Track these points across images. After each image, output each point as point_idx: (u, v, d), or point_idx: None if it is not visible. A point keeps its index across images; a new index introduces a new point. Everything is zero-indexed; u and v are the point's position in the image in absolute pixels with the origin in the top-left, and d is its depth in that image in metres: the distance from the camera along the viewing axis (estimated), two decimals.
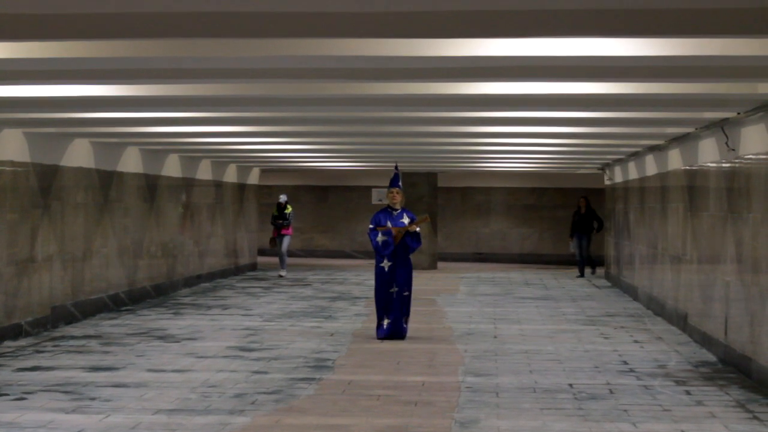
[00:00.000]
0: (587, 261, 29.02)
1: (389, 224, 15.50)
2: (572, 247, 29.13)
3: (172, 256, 23.44)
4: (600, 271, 29.51)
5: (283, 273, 28.22)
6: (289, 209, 28.42)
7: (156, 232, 22.25)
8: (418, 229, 15.53)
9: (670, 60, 8.90)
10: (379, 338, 15.38)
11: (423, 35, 8.10)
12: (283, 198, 28.52)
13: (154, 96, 11.94)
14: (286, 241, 28.36)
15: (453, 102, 12.58)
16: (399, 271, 15.43)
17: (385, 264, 15.44)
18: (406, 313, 15.50)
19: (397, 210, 15.67)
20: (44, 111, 13.63)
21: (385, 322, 15.41)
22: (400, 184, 15.84)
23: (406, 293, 15.47)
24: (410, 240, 15.43)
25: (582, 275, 28.70)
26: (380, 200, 34.27)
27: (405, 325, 15.51)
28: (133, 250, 20.82)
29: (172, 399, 10.98)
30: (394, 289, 15.41)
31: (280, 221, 28.22)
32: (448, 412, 10.46)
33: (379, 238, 15.44)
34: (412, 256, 15.76)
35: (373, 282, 15.57)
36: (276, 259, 30.15)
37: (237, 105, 12.90)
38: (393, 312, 15.38)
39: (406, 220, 15.55)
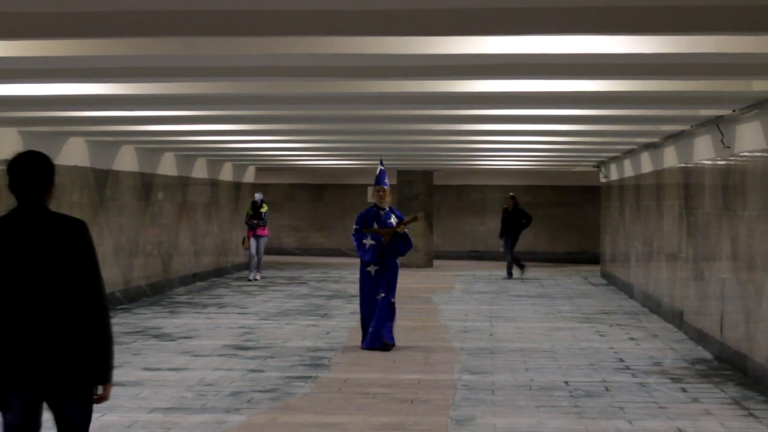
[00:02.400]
0: (513, 261, 27.61)
1: (376, 225, 14.27)
2: (501, 247, 27.98)
3: (168, 255, 23.43)
4: (529, 271, 28.39)
5: (258, 276, 26.25)
6: (264, 208, 26.12)
7: (151, 231, 22.23)
8: (406, 230, 14.30)
9: (665, 57, 8.91)
10: (363, 348, 14.19)
11: (419, 33, 8.11)
12: (258, 196, 26.27)
13: (149, 94, 11.94)
14: (262, 243, 26.13)
15: (449, 100, 12.58)
16: (386, 276, 14.19)
17: (372, 268, 14.21)
18: (390, 319, 14.20)
19: (384, 210, 14.42)
20: (39, 109, 13.61)
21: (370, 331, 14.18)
22: (387, 181, 14.59)
23: (393, 299, 14.24)
24: (401, 245, 14.24)
25: (510, 276, 27.41)
26: None
27: (390, 334, 14.21)
28: (129, 249, 20.81)
29: (167, 397, 10.97)
30: (381, 295, 14.14)
31: (256, 221, 25.97)
32: (444, 409, 10.46)
33: (366, 241, 14.15)
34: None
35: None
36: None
37: (232, 103, 12.89)
38: (375, 319, 14.11)
39: (394, 221, 14.32)
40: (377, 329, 14.14)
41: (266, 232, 26.25)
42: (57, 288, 5.46)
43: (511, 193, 28.79)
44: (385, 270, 14.22)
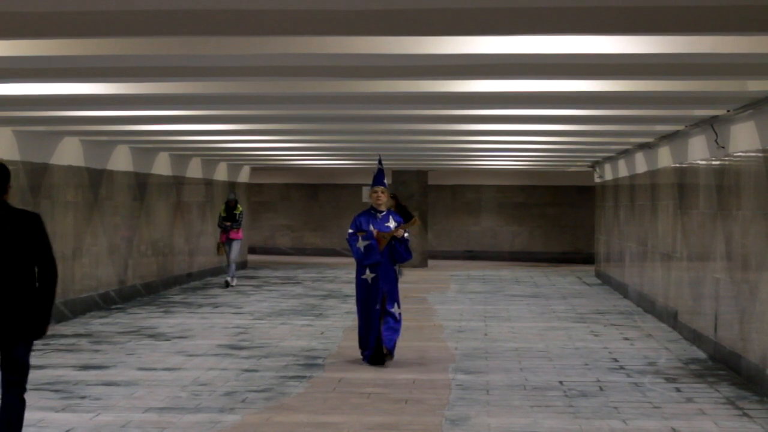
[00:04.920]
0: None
1: (372, 228, 13.27)
2: None
3: (163, 255, 23.41)
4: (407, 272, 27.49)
5: (233, 282, 24.16)
6: (239, 209, 24.15)
7: (146, 231, 22.22)
8: (406, 234, 13.31)
9: (660, 57, 8.91)
10: (368, 362, 13.13)
11: (414, 33, 8.10)
12: (232, 196, 24.27)
13: (144, 94, 11.93)
14: (236, 247, 24.03)
15: (444, 100, 12.58)
16: (383, 285, 13.19)
17: (368, 275, 13.19)
18: (394, 333, 13.23)
19: (381, 212, 13.42)
20: (34, 109, 13.60)
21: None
22: (386, 182, 13.57)
23: (393, 309, 13.20)
24: (401, 248, 13.25)
25: (399, 274, 26.76)
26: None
27: (391, 346, 13.20)
28: (124, 249, 20.79)
29: (162, 397, 10.97)
30: (377, 307, 13.12)
31: (229, 223, 24.00)
32: (439, 409, 10.46)
33: (360, 243, 13.19)
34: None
35: None
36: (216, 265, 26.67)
37: (227, 103, 12.88)
38: (374, 332, 13.11)
39: (392, 224, 13.29)
40: (379, 342, 13.12)
41: (240, 235, 24.31)
42: (16, 262, 7.26)
43: (391, 193, 28.58)
44: (382, 278, 13.17)
